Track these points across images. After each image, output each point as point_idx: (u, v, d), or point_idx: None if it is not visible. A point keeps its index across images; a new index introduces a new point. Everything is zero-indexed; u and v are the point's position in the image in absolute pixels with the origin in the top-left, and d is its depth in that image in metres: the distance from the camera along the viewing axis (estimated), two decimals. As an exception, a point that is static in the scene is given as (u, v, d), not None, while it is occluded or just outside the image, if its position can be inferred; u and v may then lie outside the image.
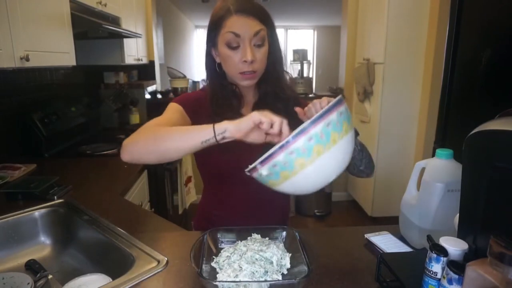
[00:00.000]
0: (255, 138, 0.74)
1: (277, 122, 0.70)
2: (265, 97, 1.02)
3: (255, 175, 0.68)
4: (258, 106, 1.03)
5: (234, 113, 0.99)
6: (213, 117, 0.96)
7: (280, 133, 0.71)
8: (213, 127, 0.73)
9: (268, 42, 0.95)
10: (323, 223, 3.21)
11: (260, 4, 0.94)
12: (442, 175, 0.82)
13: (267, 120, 0.70)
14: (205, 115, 0.97)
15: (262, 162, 0.65)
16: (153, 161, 0.81)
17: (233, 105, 1.00)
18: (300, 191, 0.72)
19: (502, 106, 0.67)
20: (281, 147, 0.63)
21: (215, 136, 0.73)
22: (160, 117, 0.92)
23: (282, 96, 1.02)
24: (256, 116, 0.71)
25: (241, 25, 0.89)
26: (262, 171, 0.66)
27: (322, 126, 0.63)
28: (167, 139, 0.77)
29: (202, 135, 0.74)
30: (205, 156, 0.98)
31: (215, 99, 0.98)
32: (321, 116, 0.63)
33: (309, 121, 0.63)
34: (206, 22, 0.99)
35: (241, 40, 0.90)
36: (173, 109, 0.95)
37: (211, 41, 0.97)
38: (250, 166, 0.67)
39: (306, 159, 0.63)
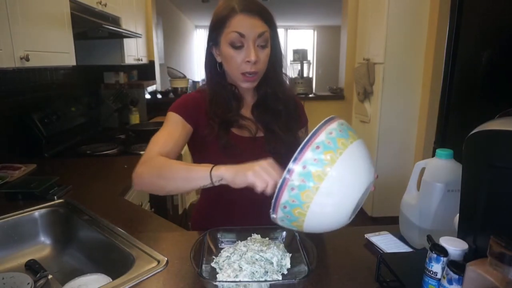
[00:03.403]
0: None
1: (270, 185, 0.69)
2: (265, 98, 1.02)
3: (278, 222, 0.68)
4: (257, 107, 1.03)
5: (233, 114, 0.99)
6: (213, 119, 0.96)
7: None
8: (210, 175, 0.75)
9: (270, 43, 0.95)
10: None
11: (264, 5, 0.94)
12: (442, 175, 0.82)
13: (262, 184, 0.69)
14: (205, 117, 0.97)
15: (273, 209, 0.64)
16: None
17: (233, 106, 1.00)
18: (322, 227, 0.68)
19: (502, 106, 0.67)
20: (281, 187, 0.62)
21: (212, 182, 0.76)
22: (161, 133, 0.93)
23: (282, 97, 1.02)
24: (251, 178, 0.70)
25: (246, 25, 0.89)
26: (277, 215, 0.65)
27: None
28: (169, 182, 0.83)
29: (200, 181, 0.77)
30: (203, 161, 0.98)
31: (215, 100, 0.98)
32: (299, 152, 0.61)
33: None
34: (206, 22, 0.99)
35: (245, 40, 0.90)
36: (173, 120, 0.95)
37: (213, 40, 0.96)
38: (271, 215, 0.66)
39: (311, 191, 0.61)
